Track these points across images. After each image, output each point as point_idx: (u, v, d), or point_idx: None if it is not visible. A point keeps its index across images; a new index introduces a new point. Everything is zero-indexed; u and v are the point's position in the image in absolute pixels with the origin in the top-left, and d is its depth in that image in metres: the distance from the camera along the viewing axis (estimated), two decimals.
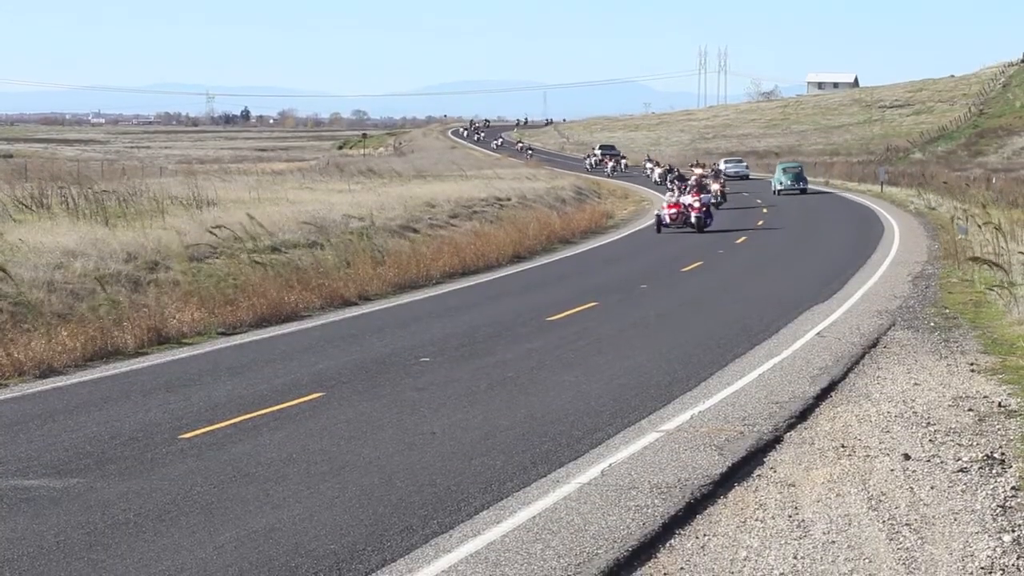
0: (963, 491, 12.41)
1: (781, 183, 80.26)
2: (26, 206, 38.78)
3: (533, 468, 13.43)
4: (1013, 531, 11.11)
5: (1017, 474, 12.94)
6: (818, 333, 22.90)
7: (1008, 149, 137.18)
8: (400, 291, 31.11)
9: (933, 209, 60.42)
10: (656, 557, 10.78)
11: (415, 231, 41.58)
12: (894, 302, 27.19)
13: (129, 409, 16.94)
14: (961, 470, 13.16)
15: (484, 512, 11.84)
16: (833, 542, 10.98)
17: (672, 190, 52.83)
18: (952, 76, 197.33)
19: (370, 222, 39.34)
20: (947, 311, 25.58)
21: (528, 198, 59.77)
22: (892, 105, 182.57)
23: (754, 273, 35.00)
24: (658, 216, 50.72)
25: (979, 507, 11.85)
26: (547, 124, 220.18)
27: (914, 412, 16.04)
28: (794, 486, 12.81)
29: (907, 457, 13.68)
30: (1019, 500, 12.08)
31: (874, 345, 21.50)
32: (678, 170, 72.96)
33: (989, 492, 12.33)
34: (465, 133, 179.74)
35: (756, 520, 11.69)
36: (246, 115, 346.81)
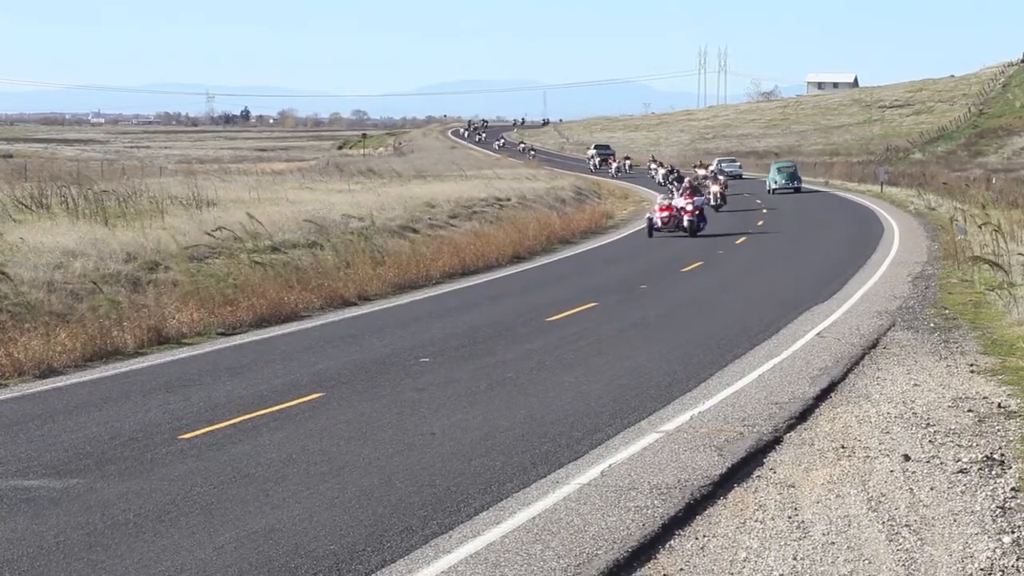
0: (963, 492, 12.41)
1: (776, 182, 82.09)
2: (26, 206, 38.78)
3: (533, 469, 13.43)
4: (1013, 532, 11.11)
5: (1017, 475, 12.94)
6: (818, 334, 22.90)
7: (1008, 149, 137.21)
8: (400, 291, 31.12)
9: (933, 209, 60.42)
10: (656, 558, 10.78)
11: (415, 231, 41.58)
12: (894, 303, 27.19)
13: (129, 409, 16.94)
14: (961, 471, 13.16)
15: (484, 513, 11.84)
16: (833, 543, 10.98)
17: (671, 191, 52.74)
18: (952, 76, 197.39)
19: (370, 222, 39.35)
20: (947, 312, 25.58)
21: (528, 198, 59.78)
22: (892, 105, 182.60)
23: (754, 273, 35.00)
24: (649, 219, 49.39)
25: (979, 508, 11.85)
26: (544, 124, 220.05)
27: (914, 413, 16.04)
28: (794, 487, 12.81)
29: (907, 458, 13.69)
30: (1019, 501, 12.08)
31: (874, 346, 21.50)
32: (678, 171, 72.96)
33: (989, 493, 12.33)
34: (466, 134, 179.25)
35: (756, 521, 11.70)
36: (246, 115, 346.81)
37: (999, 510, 11.80)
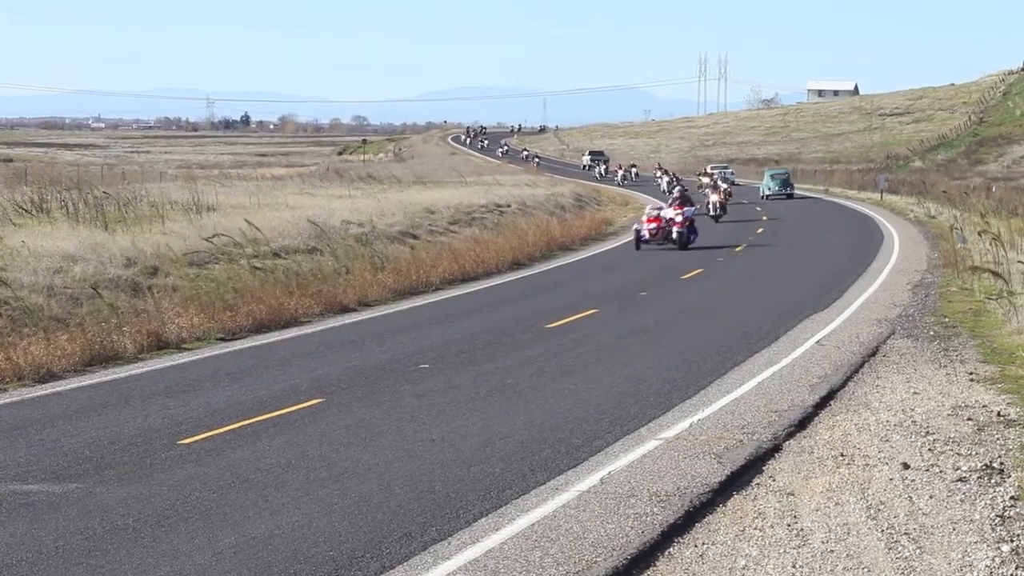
0: (962, 501, 12.41)
1: (769, 188, 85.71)
2: (26, 210, 38.78)
3: (532, 475, 13.43)
4: (1012, 541, 11.11)
5: (1016, 484, 12.94)
6: (817, 341, 22.90)
7: (1008, 158, 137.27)
8: (400, 297, 31.13)
9: (933, 218, 60.44)
10: (655, 565, 10.78)
11: (415, 237, 41.60)
12: (893, 311, 27.19)
13: (128, 414, 16.94)
14: (960, 480, 13.16)
15: (483, 519, 11.84)
16: (832, 551, 10.98)
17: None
18: (952, 84, 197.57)
19: (370, 228, 39.36)
20: (946, 320, 25.58)
21: (528, 205, 59.80)
22: (892, 113, 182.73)
23: (753, 281, 35.00)
24: (637, 231, 46.48)
25: (978, 517, 11.85)
26: (541, 130, 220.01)
27: (913, 421, 16.04)
28: (793, 495, 12.81)
29: (906, 466, 13.68)
30: (1018, 510, 12.08)
31: (873, 354, 21.50)
32: (678, 179, 72.44)
33: (988, 502, 12.33)
34: (468, 141, 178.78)
35: (755, 529, 11.69)
36: (246, 120, 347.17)
37: (998, 519, 11.79)
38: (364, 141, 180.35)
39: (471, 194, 60.29)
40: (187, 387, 18.94)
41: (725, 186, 76.49)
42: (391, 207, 47.81)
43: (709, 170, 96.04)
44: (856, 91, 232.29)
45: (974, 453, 14.32)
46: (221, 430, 15.80)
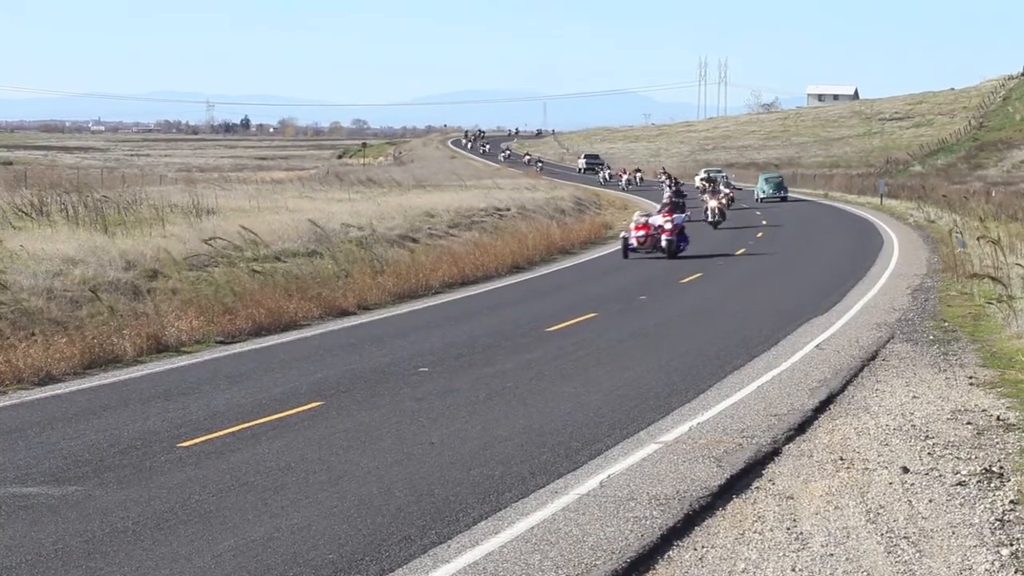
0: (961, 504, 12.41)
1: (763, 191, 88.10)
2: (26, 213, 38.79)
3: (531, 479, 13.43)
4: (1011, 545, 11.11)
5: (1015, 488, 12.93)
6: (817, 345, 22.90)
7: (1008, 162, 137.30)
8: (399, 301, 31.13)
9: (932, 222, 60.45)
10: (654, 569, 10.78)
11: (414, 241, 41.61)
12: (893, 315, 27.20)
13: (128, 417, 16.94)
14: (959, 483, 13.16)
15: (482, 523, 11.84)
16: (831, 555, 10.98)
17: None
18: (952, 89, 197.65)
19: (370, 231, 39.37)
20: (946, 324, 25.58)
21: (527, 208, 59.82)
22: (892, 117, 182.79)
23: (753, 285, 35.00)
24: (624, 239, 44.23)
25: (977, 521, 11.85)
26: (537, 134, 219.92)
27: (913, 425, 16.04)
28: (792, 499, 12.81)
29: (906, 470, 13.69)
30: (1017, 514, 12.08)
31: (873, 358, 21.50)
32: (677, 184, 71.50)
33: (987, 506, 12.33)
34: (469, 145, 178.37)
35: (754, 532, 11.69)
36: (246, 123, 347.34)
37: (998, 523, 11.80)
38: (364, 145, 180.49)
39: (471, 198, 60.31)
40: (186, 390, 18.94)
41: (727, 191, 76.30)
42: (391, 211, 47.82)
43: (701, 173, 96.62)
44: (856, 95, 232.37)
45: (973, 457, 14.32)
46: (220, 433, 15.80)
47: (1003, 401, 17.56)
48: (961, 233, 40.73)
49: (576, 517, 12.03)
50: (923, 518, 11.98)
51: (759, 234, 56.43)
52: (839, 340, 23.54)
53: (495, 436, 15.53)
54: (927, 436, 15.39)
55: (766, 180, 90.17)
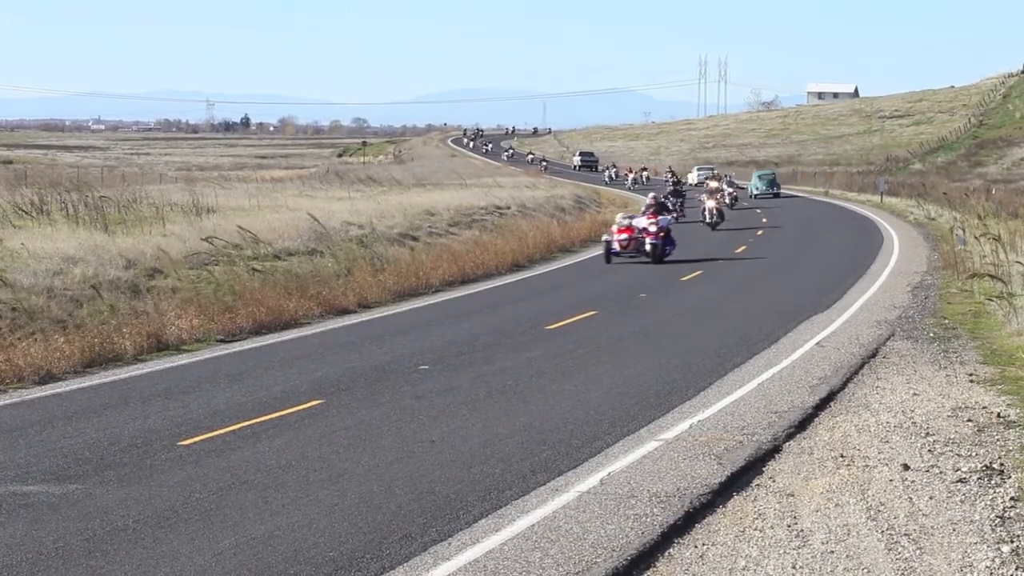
0: (962, 501, 12.41)
1: (757, 188, 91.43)
2: (26, 212, 38.75)
3: (532, 476, 13.43)
4: (1012, 541, 11.11)
5: (1016, 485, 12.94)
6: (817, 343, 22.90)
7: (1008, 160, 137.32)
8: (400, 299, 31.13)
9: (933, 220, 60.46)
10: (655, 566, 10.78)
11: (415, 239, 41.60)
12: (893, 312, 27.20)
13: (128, 415, 16.94)
14: (960, 480, 13.17)
15: (483, 520, 11.84)
16: (832, 552, 10.98)
17: (675, 205, 50.86)
18: (952, 87, 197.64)
19: (370, 230, 39.37)
20: (946, 322, 25.59)
21: (528, 207, 59.80)
22: (892, 115, 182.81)
23: (753, 283, 35.01)
24: (607, 242, 41.57)
25: (978, 518, 11.85)
26: (534, 133, 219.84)
27: (913, 422, 16.04)
28: (793, 496, 12.81)
29: (906, 467, 13.69)
30: (1018, 511, 12.08)
31: (873, 355, 21.50)
32: (675, 184, 71.20)
33: (988, 503, 12.33)
34: (471, 144, 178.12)
35: (755, 530, 11.69)
36: (246, 122, 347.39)
37: (998, 519, 11.80)
38: (364, 143, 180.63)
39: (471, 196, 60.28)
40: (187, 388, 18.94)
41: (731, 190, 76.12)
42: (391, 209, 47.81)
43: (694, 172, 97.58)
44: (856, 93, 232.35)
45: (974, 454, 14.32)
46: (221, 431, 15.80)
47: (1003, 398, 17.57)
48: (962, 230, 40.73)
49: (577, 515, 12.03)
50: (924, 515, 11.98)
51: (759, 232, 56.42)
52: (839, 338, 23.54)
53: (495, 434, 15.53)
54: (927, 433, 15.39)
55: (759, 177, 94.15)
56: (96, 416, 16.92)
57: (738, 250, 46.45)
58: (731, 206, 71.75)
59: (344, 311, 28.52)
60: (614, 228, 41.97)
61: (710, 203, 57.76)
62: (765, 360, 21.14)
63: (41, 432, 15.92)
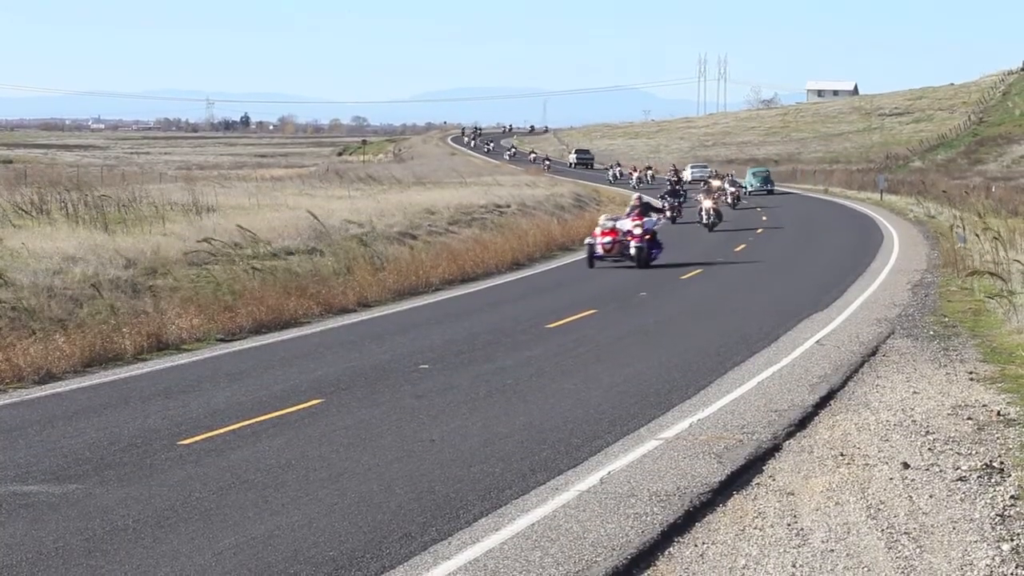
0: (962, 500, 12.41)
1: (751, 185, 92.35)
2: (26, 212, 38.77)
3: (532, 475, 13.43)
4: (1012, 540, 11.11)
5: (1016, 483, 12.94)
6: (817, 341, 22.90)
7: (1008, 158, 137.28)
8: (399, 298, 31.12)
9: (932, 217, 60.46)
10: (655, 565, 10.78)
11: (415, 238, 41.59)
12: (893, 310, 27.20)
13: (128, 415, 16.94)
14: (960, 479, 13.16)
15: (483, 519, 11.84)
16: (832, 550, 10.98)
17: (672, 205, 50.38)
18: (952, 84, 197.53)
19: (370, 229, 39.37)
20: (946, 320, 25.58)
21: (527, 205, 59.80)
22: (892, 113, 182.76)
23: (753, 281, 35.00)
24: (589, 245, 39.50)
25: (978, 516, 11.85)
26: (531, 131, 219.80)
27: (913, 421, 16.04)
28: (793, 494, 12.81)
29: (906, 466, 13.68)
30: (1018, 509, 12.08)
31: (873, 353, 21.50)
32: (674, 183, 70.55)
33: (988, 501, 12.33)
34: (472, 144, 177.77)
35: (755, 528, 11.69)
36: (246, 121, 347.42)
37: (998, 518, 11.80)
38: (364, 142, 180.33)
39: (471, 195, 60.27)
40: (187, 388, 18.94)
41: (733, 189, 76.18)
42: (391, 208, 47.81)
43: (687, 170, 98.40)
44: (856, 91, 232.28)
45: (974, 452, 14.32)
46: (221, 431, 15.79)
47: (1003, 396, 17.56)
48: (962, 228, 40.72)
49: (577, 514, 12.02)
50: (924, 514, 11.98)
51: (759, 230, 56.41)
52: (839, 336, 23.54)
53: (495, 433, 15.53)
54: (927, 432, 15.39)
55: (753, 174, 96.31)
56: (96, 416, 16.91)
57: (737, 249, 46.44)
58: (733, 206, 71.68)
59: (344, 310, 28.51)
60: (597, 230, 39.88)
61: (707, 203, 56.22)
62: (765, 358, 21.14)
63: (41, 432, 15.92)
